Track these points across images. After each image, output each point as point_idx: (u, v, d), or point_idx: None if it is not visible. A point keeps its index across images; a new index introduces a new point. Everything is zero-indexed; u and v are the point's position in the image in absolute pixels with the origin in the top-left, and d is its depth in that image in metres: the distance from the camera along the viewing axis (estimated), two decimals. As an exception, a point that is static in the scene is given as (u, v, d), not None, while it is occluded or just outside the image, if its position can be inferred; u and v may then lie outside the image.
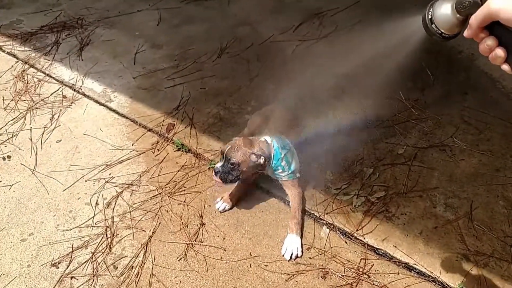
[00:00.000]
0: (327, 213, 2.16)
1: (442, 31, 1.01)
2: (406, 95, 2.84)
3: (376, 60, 3.04)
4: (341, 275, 1.92)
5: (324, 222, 2.13)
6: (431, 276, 1.88)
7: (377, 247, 2.01)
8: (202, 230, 2.17)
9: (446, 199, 2.20)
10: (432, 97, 2.82)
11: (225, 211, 2.25)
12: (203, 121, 2.79)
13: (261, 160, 2.03)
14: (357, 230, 2.08)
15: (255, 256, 2.03)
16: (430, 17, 1.02)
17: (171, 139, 2.68)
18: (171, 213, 2.26)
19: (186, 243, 2.11)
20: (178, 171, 2.49)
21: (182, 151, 2.60)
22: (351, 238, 2.06)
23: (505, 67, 0.93)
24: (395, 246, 2.00)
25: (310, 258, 2.00)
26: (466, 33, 0.94)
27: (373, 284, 1.88)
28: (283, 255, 2.01)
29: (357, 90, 2.85)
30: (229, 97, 2.96)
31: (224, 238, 2.12)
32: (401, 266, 1.94)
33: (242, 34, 3.60)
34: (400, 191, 2.25)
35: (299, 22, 3.66)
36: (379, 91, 2.89)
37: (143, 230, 2.18)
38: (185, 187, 2.39)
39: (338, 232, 2.09)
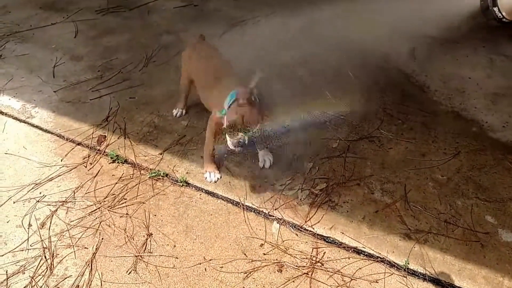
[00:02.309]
0: (275, 209, 2.19)
1: (504, 15, 1.03)
2: (332, 94, 2.98)
3: (301, 64, 3.20)
4: (296, 266, 1.96)
5: (274, 217, 2.16)
6: (379, 257, 1.99)
7: (326, 235, 2.08)
8: (150, 241, 2.09)
9: (381, 185, 2.34)
10: (356, 95, 2.99)
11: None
12: (137, 130, 2.69)
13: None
14: (305, 221, 2.13)
15: (209, 260, 1.99)
16: None
17: (104, 151, 2.55)
18: (113, 227, 2.15)
19: (135, 256, 2.01)
20: (116, 183, 2.37)
21: (118, 162, 2.49)
22: (301, 230, 2.11)
23: None
24: (343, 233, 2.09)
25: (264, 254, 2.01)
26: None
27: (327, 271, 1.94)
28: (262, 166, 2.41)
29: (286, 92, 2.95)
30: (162, 104, 2.90)
31: (174, 246, 2.06)
32: (350, 251, 2.03)
33: (166, 42, 3.56)
34: (340, 181, 2.35)
35: (223, 30, 3.70)
36: (307, 93, 3.02)
37: (85, 247, 2.04)
38: (125, 199, 2.29)
39: (288, 225, 2.13)
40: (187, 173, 2.40)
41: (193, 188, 2.33)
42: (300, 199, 2.25)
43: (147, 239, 2.10)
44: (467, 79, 3.14)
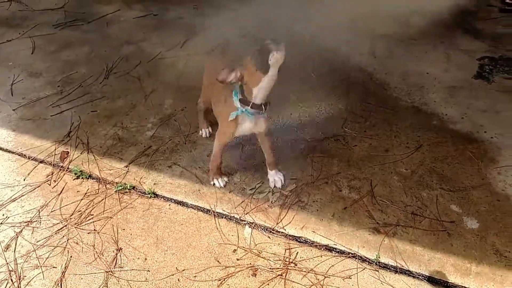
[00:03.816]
0: (246, 213, 2.19)
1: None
2: (295, 95, 3.00)
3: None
4: (270, 268, 1.96)
5: (245, 222, 2.16)
6: (351, 253, 2.02)
7: (298, 235, 2.09)
8: (120, 255, 2.04)
9: (348, 182, 2.38)
10: (319, 95, 3.04)
11: None
12: (100, 144, 2.64)
13: None
14: (277, 223, 2.14)
15: (182, 270, 1.97)
16: None
17: (67, 168, 2.49)
18: (81, 244, 2.09)
19: (105, 271, 1.97)
20: (82, 199, 2.32)
21: (82, 178, 2.43)
22: (273, 232, 2.11)
23: None
24: (314, 231, 2.11)
25: (238, 259, 2.00)
26: None
27: (301, 270, 1.95)
28: (274, 186, 2.33)
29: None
30: (125, 116, 2.85)
31: (145, 259, 2.02)
32: (322, 249, 2.05)
33: (127, 53, 3.52)
34: (308, 181, 2.37)
35: (185, 39, 3.69)
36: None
37: (54, 267, 1.98)
38: (92, 215, 2.24)
39: (260, 229, 2.13)
40: (154, 184, 2.37)
41: (162, 199, 2.30)
42: (271, 202, 2.26)
43: (117, 254, 2.05)
44: (425, 75, 3.24)
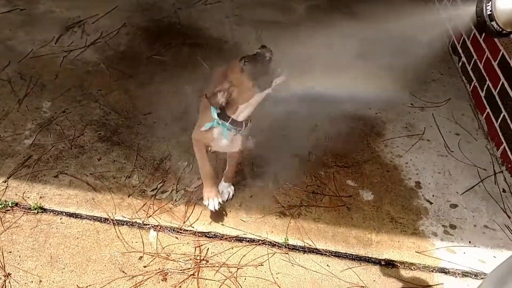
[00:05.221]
0: (149, 216, 2.07)
1: (503, 28, 0.94)
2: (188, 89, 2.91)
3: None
4: (181, 270, 1.88)
5: (150, 225, 2.04)
6: (260, 240, 2.02)
7: (207, 230, 2.04)
8: (10, 281, 1.80)
9: (252, 169, 2.37)
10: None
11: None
12: (-29, 160, 2.30)
13: None
14: (184, 222, 2.06)
15: (85, 287, 1.80)
16: (489, 13, 0.94)
17: None
18: (-42, 279, 1.80)
19: (-8, 305, 1.72)
20: (-47, 227, 2.00)
21: (-49, 201, 2.10)
22: (180, 232, 2.03)
23: None
24: (223, 224, 2.08)
25: (145, 267, 1.88)
26: None
27: (213, 266, 1.91)
28: (226, 199, 2.17)
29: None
30: (-5, 125, 2.52)
31: (40, 281, 1.81)
32: (232, 240, 2.02)
33: (-8, 54, 3.10)
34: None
35: (59, 34, 3.36)
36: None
37: None
38: (-30, 242, 1.94)
39: (166, 230, 2.03)
40: (40, 197, 2.13)
41: (51, 213, 2.07)
42: (175, 200, 2.17)
43: (5, 280, 1.81)
44: (309, 59, 3.33)
